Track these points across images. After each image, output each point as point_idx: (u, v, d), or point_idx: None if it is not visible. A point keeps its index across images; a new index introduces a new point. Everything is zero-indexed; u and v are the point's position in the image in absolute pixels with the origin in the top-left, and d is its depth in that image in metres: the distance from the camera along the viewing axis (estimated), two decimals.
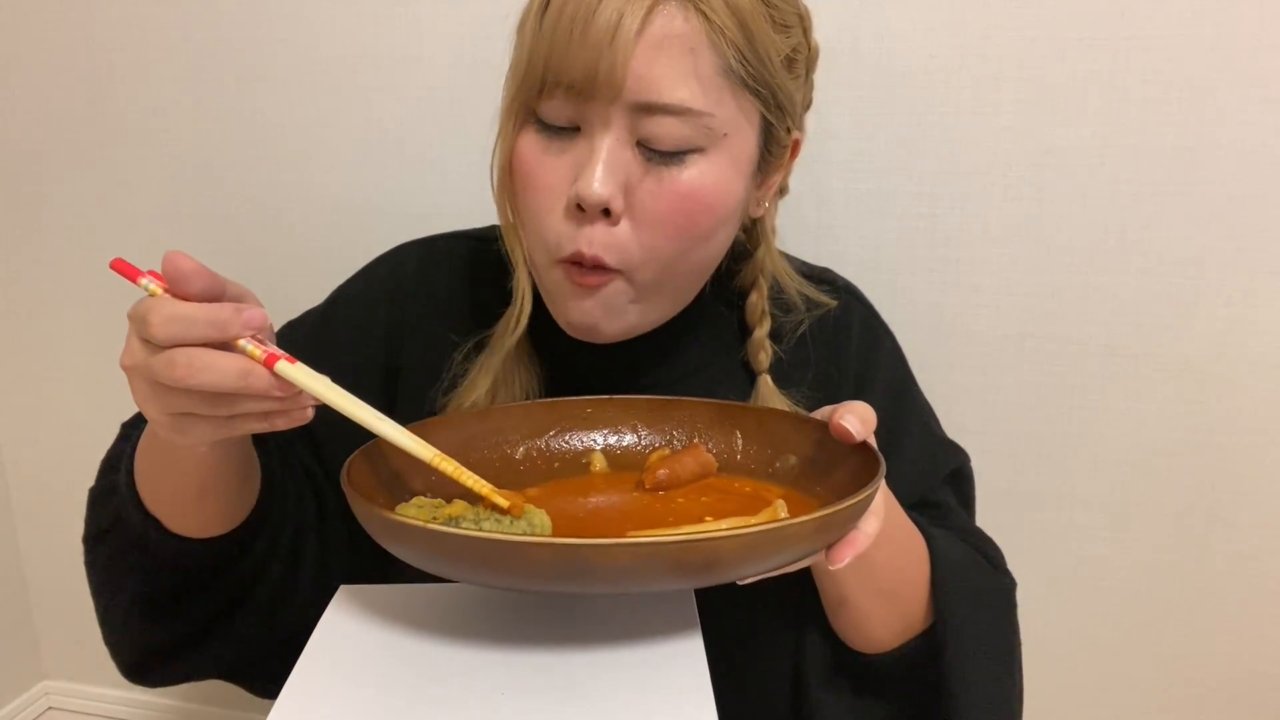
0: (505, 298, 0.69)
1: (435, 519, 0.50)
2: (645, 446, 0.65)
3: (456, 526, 0.47)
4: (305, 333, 0.78)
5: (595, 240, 0.59)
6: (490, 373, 0.69)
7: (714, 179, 0.60)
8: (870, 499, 0.51)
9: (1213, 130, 0.89)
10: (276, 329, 0.75)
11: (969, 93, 0.93)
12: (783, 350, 0.73)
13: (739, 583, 0.49)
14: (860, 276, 0.81)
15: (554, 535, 0.51)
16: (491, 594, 0.55)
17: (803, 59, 0.65)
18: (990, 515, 0.84)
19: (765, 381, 0.71)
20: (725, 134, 0.59)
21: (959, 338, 0.99)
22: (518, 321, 0.66)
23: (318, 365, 0.73)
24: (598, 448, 0.65)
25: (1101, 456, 1.00)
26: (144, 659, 0.71)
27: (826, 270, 0.79)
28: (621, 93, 0.56)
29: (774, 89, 0.61)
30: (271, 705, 0.45)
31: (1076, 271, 0.95)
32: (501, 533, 0.49)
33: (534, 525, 0.52)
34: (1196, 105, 0.88)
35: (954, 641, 0.65)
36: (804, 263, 0.79)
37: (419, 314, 0.75)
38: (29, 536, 1.44)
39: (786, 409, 0.68)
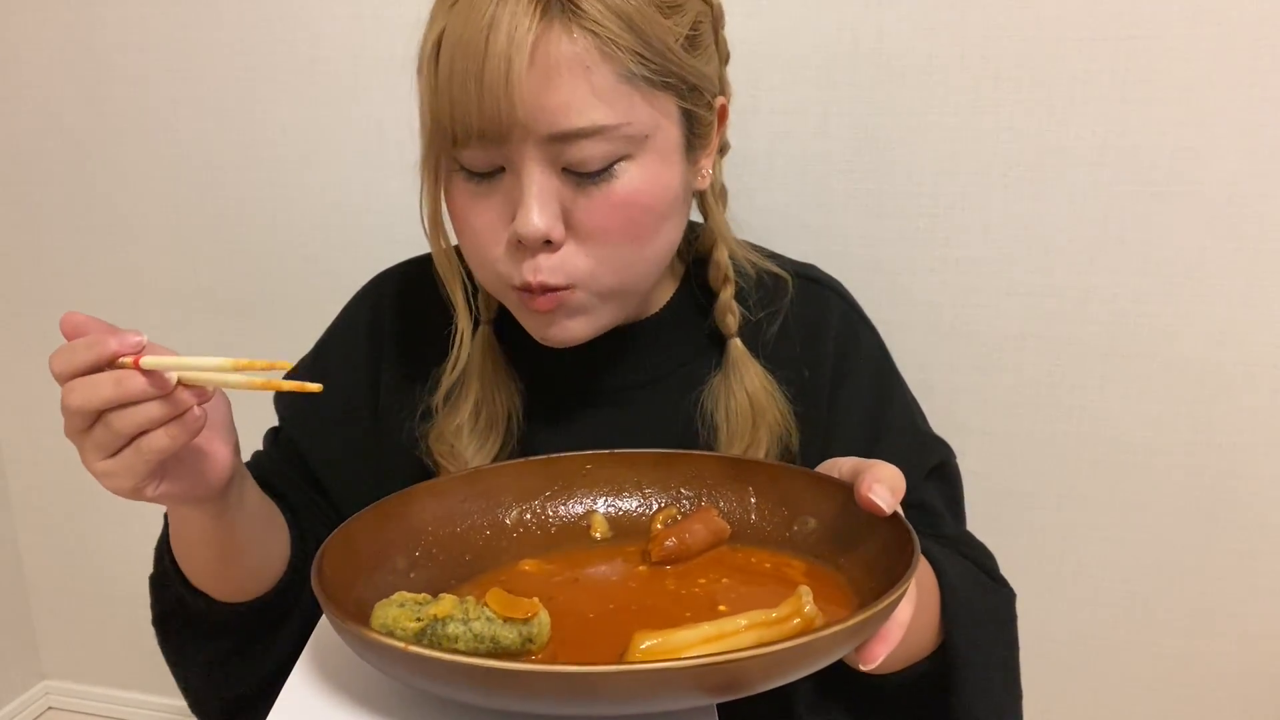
0: (477, 322, 0.71)
1: (419, 619, 0.45)
2: (650, 506, 0.61)
3: (442, 630, 0.44)
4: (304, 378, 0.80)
5: (541, 268, 0.59)
6: (470, 397, 0.69)
7: (647, 180, 0.59)
8: (904, 593, 0.45)
9: (1213, 130, 0.89)
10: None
11: (969, 93, 0.93)
12: (758, 340, 0.72)
13: (863, 668, 0.47)
14: (860, 276, 0.81)
15: (553, 639, 0.47)
16: None
17: (706, 27, 0.63)
18: (990, 515, 0.83)
19: (735, 345, 0.70)
20: (646, 135, 0.58)
21: (959, 338, 0.99)
22: (455, 363, 0.68)
23: (317, 409, 0.74)
24: (599, 510, 0.61)
25: (1101, 456, 0.99)
26: (229, 714, 0.74)
27: (811, 266, 0.78)
28: (529, 129, 0.55)
29: (682, 76, 0.59)
30: None
31: (1076, 271, 0.95)
32: (490, 644, 0.45)
33: (532, 627, 0.46)
34: (1196, 105, 0.88)
35: (963, 662, 0.64)
36: (788, 259, 0.78)
37: (396, 343, 0.76)
38: (29, 536, 1.44)
39: (803, 468, 0.63)
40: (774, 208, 0.77)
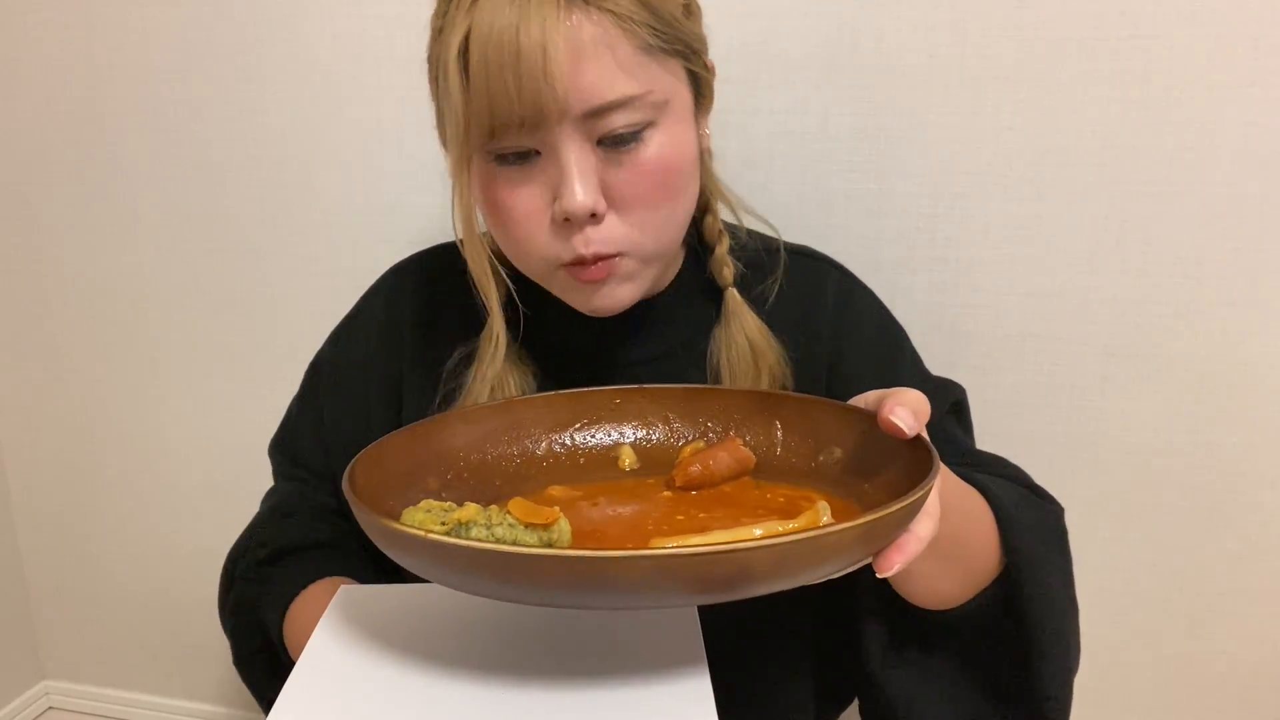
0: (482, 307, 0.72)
1: (444, 523, 0.47)
2: (678, 440, 0.62)
3: (465, 534, 0.45)
4: (324, 376, 0.84)
5: (591, 240, 0.62)
6: (486, 382, 0.71)
7: (672, 143, 0.63)
8: (921, 501, 0.46)
9: (1213, 130, 0.89)
10: (279, 356, 0.77)
11: (969, 93, 0.93)
12: (753, 302, 0.74)
13: (879, 574, 0.47)
14: (860, 276, 0.81)
15: (573, 548, 0.47)
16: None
17: None
18: None
19: (732, 295, 0.73)
20: (666, 101, 0.63)
21: (959, 338, 0.99)
22: (497, 343, 0.69)
23: (335, 403, 0.79)
24: (627, 442, 0.62)
25: (1101, 456, 0.99)
26: None
27: (805, 246, 0.80)
28: (565, 110, 0.59)
29: (687, 42, 0.64)
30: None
31: (1076, 271, 0.95)
32: (510, 544, 0.45)
33: (552, 534, 0.48)
34: (1196, 105, 0.88)
35: (1028, 584, 0.64)
36: (785, 241, 0.79)
37: (414, 333, 0.78)
38: (29, 536, 1.44)
39: (830, 400, 0.64)
40: (774, 208, 0.77)
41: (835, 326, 0.76)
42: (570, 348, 0.74)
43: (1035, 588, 0.64)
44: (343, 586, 0.57)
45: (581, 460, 0.61)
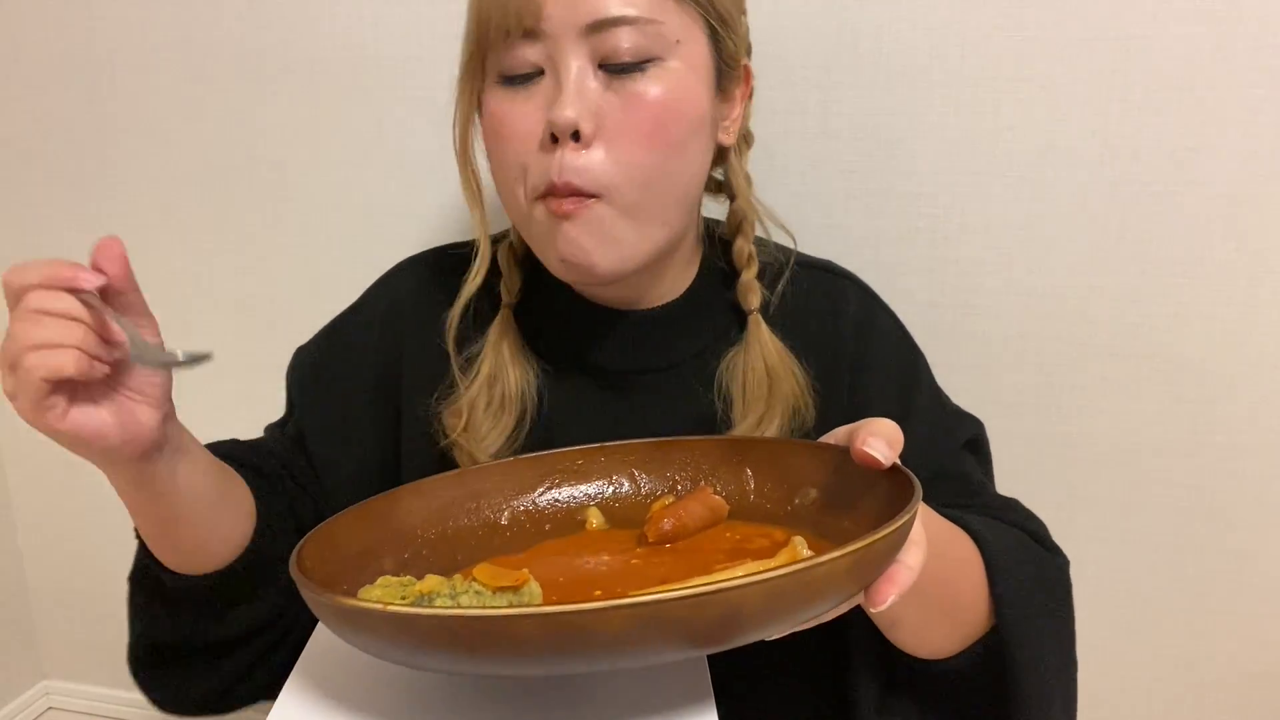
0: (498, 305, 0.71)
1: (404, 597, 0.43)
2: (645, 496, 0.59)
3: (429, 605, 0.41)
4: (309, 361, 0.81)
5: (565, 166, 0.60)
6: (483, 371, 0.70)
7: (677, 85, 0.62)
8: (908, 526, 0.44)
9: (1213, 130, 0.89)
10: (279, 356, 0.77)
11: (969, 93, 0.93)
12: (776, 322, 0.73)
13: (872, 610, 0.46)
14: (860, 276, 0.81)
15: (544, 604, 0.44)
16: None
17: None
18: None
19: (756, 319, 0.71)
20: (678, 40, 0.62)
21: (959, 338, 0.99)
22: (477, 271, 0.69)
23: (322, 390, 0.76)
24: (593, 503, 0.60)
25: (1101, 456, 0.99)
26: (156, 669, 0.71)
27: (827, 261, 0.80)
28: (568, 20, 0.59)
29: (710, 1, 0.64)
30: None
31: (1076, 271, 0.95)
32: (478, 608, 0.41)
33: (522, 596, 0.45)
34: (1196, 105, 0.88)
35: (1019, 639, 0.63)
36: (805, 255, 0.79)
37: (417, 330, 0.76)
38: (29, 536, 1.44)
39: (799, 439, 0.63)
40: (774, 208, 0.77)
41: (854, 349, 0.74)
42: (573, 350, 0.73)
43: (1020, 641, 0.63)
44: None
45: (547, 527, 0.58)
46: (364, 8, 1.06)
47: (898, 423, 0.59)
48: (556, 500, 0.59)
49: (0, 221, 1.27)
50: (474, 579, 0.44)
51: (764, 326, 0.71)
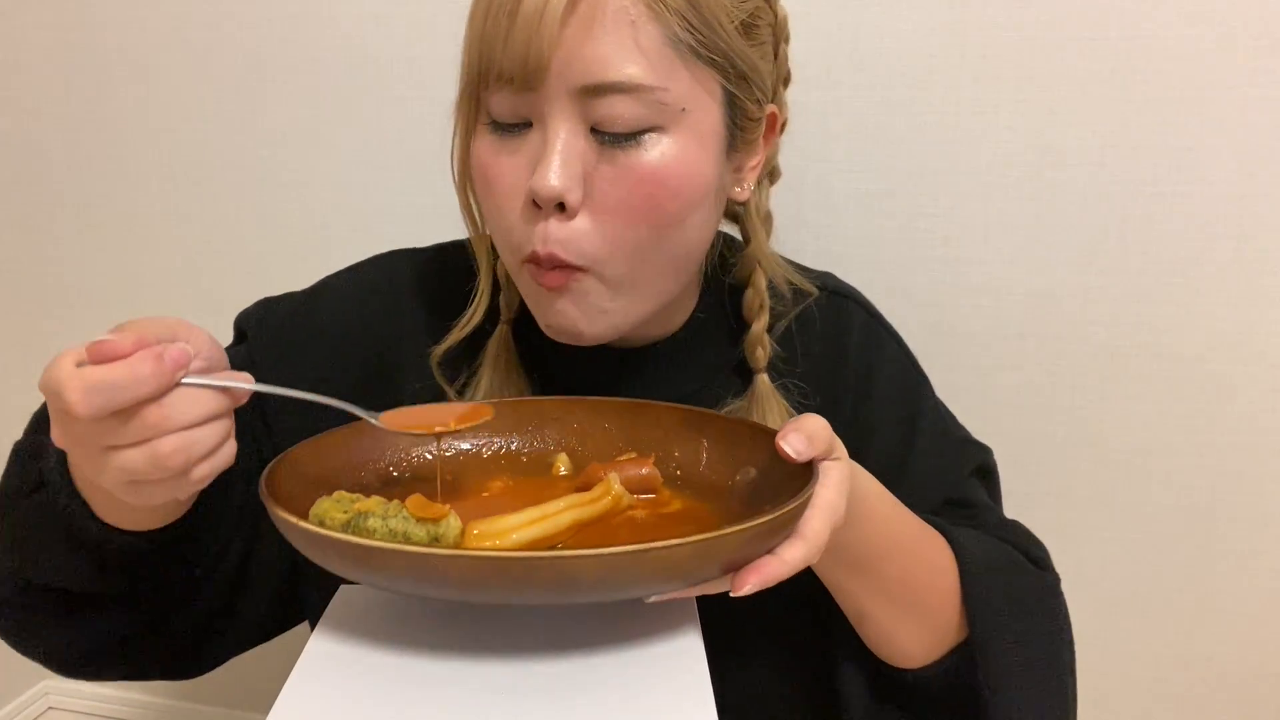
0: (493, 312, 0.69)
1: (345, 512, 0.50)
2: (612, 451, 0.63)
3: (363, 523, 0.49)
4: (284, 313, 0.75)
5: (550, 237, 0.56)
6: (480, 388, 0.68)
7: (677, 159, 0.56)
8: (768, 526, 0.46)
9: (1213, 130, 0.89)
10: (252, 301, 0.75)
11: (969, 93, 0.93)
12: (779, 349, 0.70)
13: (731, 594, 0.47)
14: (860, 276, 0.81)
15: (458, 542, 0.50)
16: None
17: (766, 25, 0.62)
18: None
19: (762, 381, 0.68)
20: (683, 109, 0.56)
21: (959, 338, 0.99)
22: (469, 320, 0.67)
23: (295, 346, 0.74)
24: (564, 449, 0.64)
25: (1101, 456, 1.00)
26: (56, 659, 0.64)
27: (829, 275, 0.77)
28: (562, 78, 0.54)
29: (730, 57, 0.57)
30: (270, 705, 0.46)
31: (1076, 271, 0.95)
32: (386, 537, 0.48)
33: (440, 528, 0.50)
34: (1196, 105, 0.88)
35: (991, 651, 0.62)
36: (805, 268, 0.77)
37: (413, 326, 0.72)
38: None
39: (752, 420, 0.64)
40: (774, 208, 0.77)
41: (857, 380, 0.72)
42: (570, 381, 0.69)
43: (997, 659, 0.62)
44: (343, 586, 0.56)
45: (524, 460, 0.64)
46: (364, 8, 1.06)
47: (899, 455, 0.59)
48: (533, 442, 0.65)
49: (0, 221, 1.27)
50: (405, 506, 0.50)
51: (770, 389, 0.68)
